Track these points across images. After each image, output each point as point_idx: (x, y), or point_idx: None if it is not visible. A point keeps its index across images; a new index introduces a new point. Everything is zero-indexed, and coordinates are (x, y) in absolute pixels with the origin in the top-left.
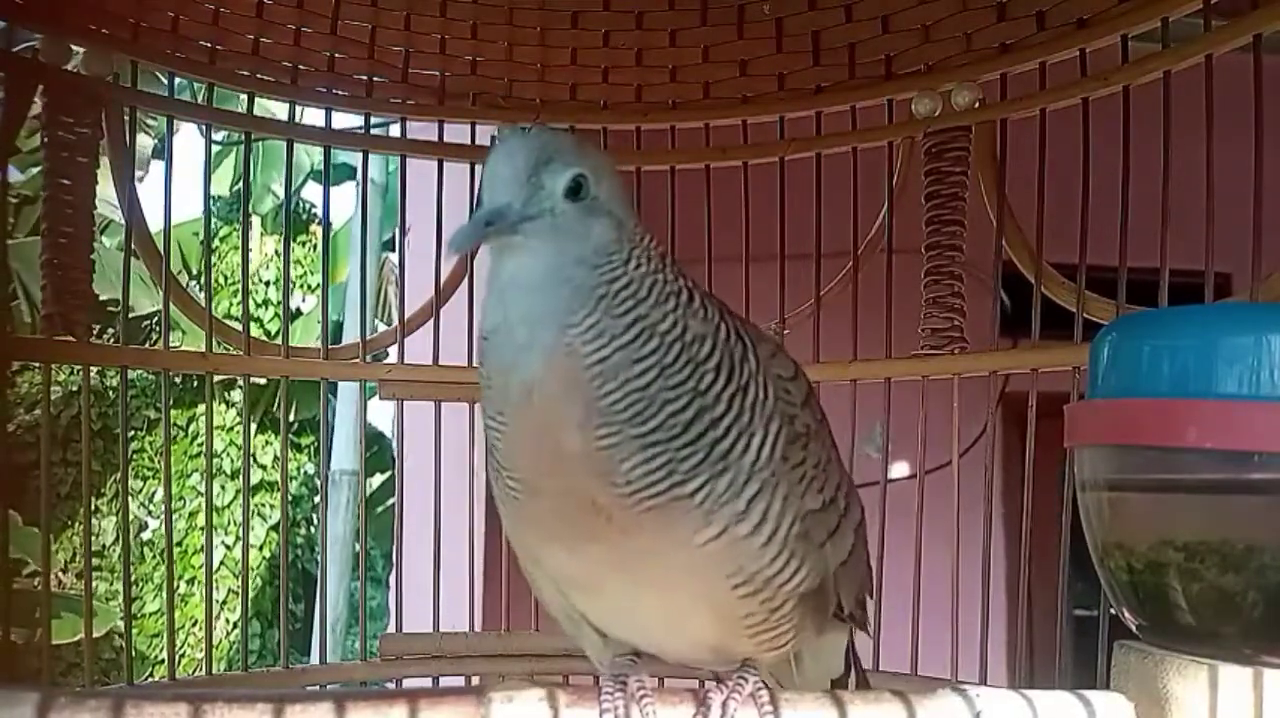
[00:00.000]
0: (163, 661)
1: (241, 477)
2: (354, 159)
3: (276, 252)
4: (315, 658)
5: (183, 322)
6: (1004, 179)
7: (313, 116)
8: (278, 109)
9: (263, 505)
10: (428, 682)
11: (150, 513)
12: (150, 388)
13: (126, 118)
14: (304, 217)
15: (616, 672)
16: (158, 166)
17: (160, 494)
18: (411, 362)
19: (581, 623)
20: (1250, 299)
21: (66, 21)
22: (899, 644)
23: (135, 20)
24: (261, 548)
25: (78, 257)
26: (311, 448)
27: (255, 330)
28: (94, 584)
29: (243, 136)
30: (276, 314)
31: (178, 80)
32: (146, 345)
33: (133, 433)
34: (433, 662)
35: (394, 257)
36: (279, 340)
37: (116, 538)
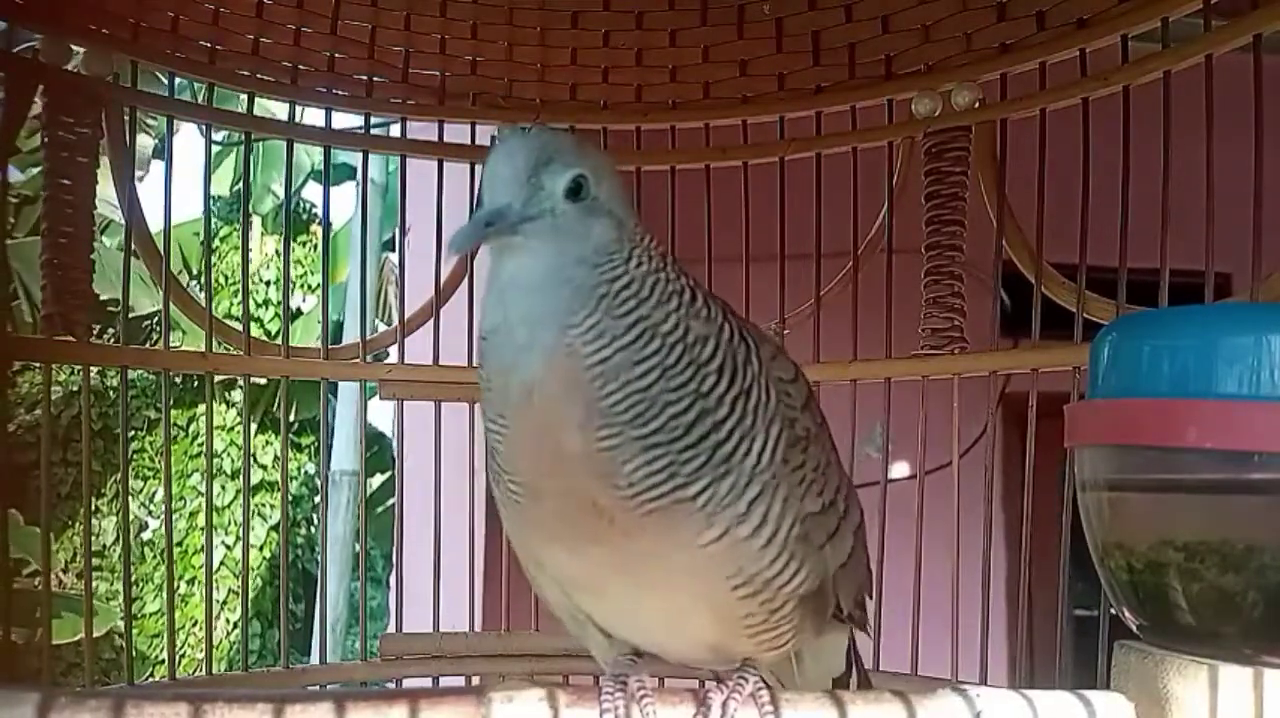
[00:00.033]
0: (163, 661)
1: (242, 477)
2: (354, 159)
3: (277, 252)
4: (315, 658)
5: (183, 322)
6: (1004, 179)
7: (313, 116)
8: (278, 109)
9: (263, 506)
10: (428, 682)
11: (150, 513)
12: (150, 388)
13: (126, 118)
14: (304, 217)
15: (617, 672)
16: (158, 166)
17: (160, 494)
18: (411, 362)
19: (587, 623)
20: (1250, 299)
21: (66, 21)
22: (899, 644)
23: (135, 20)
24: (262, 548)
25: (78, 257)
26: (312, 448)
27: (255, 330)
28: (94, 584)
29: (243, 136)
30: (277, 314)
31: (178, 80)
32: (146, 345)
33: (133, 433)
34: (433, 662)
35: (394, 257)
36: (279, 340)
37: (117, 538)
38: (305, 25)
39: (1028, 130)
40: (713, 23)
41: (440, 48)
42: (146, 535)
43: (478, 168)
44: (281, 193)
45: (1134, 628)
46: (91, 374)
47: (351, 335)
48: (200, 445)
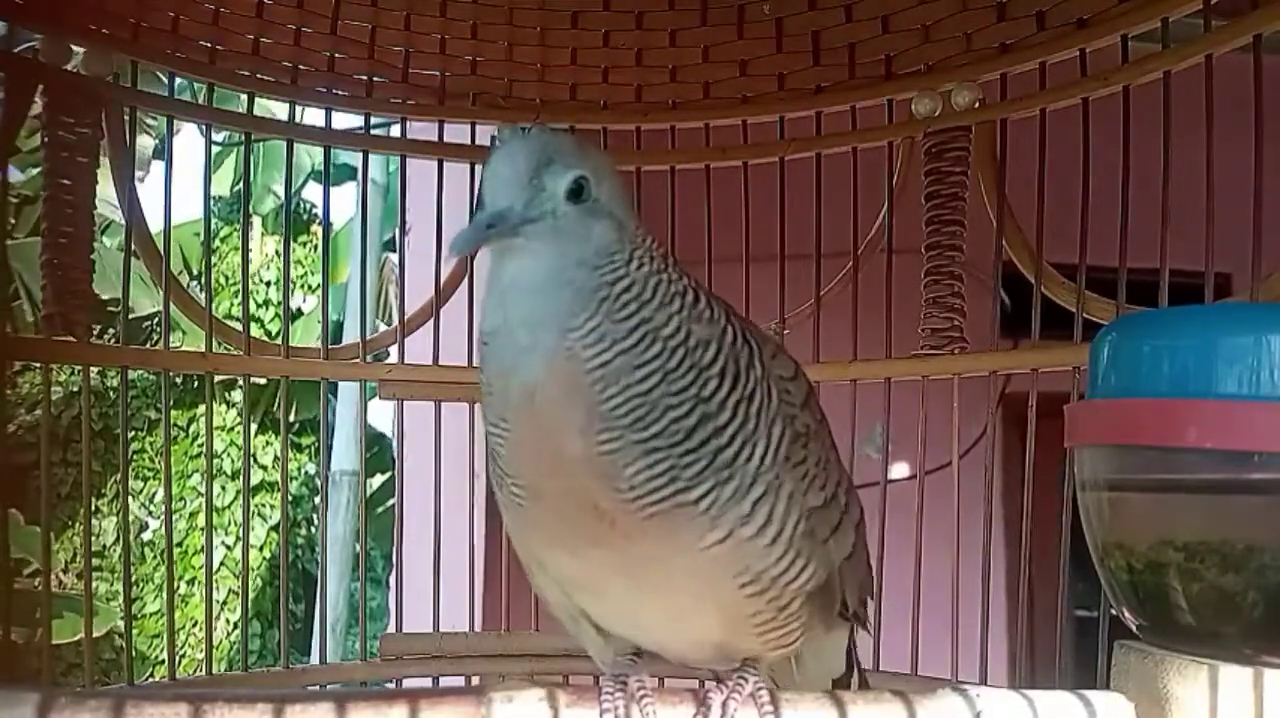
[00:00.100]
0: (163, 661)
1: (242, 477)
2: (354, 159)
3: (277, 252)
4: (315, 658)
5: (183, 322)
6: (1004, 179)
7: (313, 116)
8: (278, 109)
9: (263, 506)
10: (428, 682)
11: (151, 513)
12: (150, 388)
13: (126, 118)
14: (304, 217)
15: (617, 672)
16: (158, 167)
17: (160, 495)
18: (411, 362)
19: (583, 623)
20: (1250, 299)
21: (66, 21)
22: (899, 644)
23: (135, 20)
24: (262, 548)
25: (78, 257)
26: (312, 448)
27: (256, 330)
28: (94, 584)
29: (243, 137)
30: (277, 314)
31: (178, 80)
32: (147, 345)
33: (133, 433)
34: (433, 662)
35: (394, 257)
36: (279, 340)
37: (117, 538)
38: (305, 25)
39: (1028, 130)
40: (713, 23)
41: (440, 48)
42: (147, 536)
43: (478, 168)
44: (282, 193)
45: (1134, 628)
46: (91, 374)
47: (351, 335)
48: (200, 446)
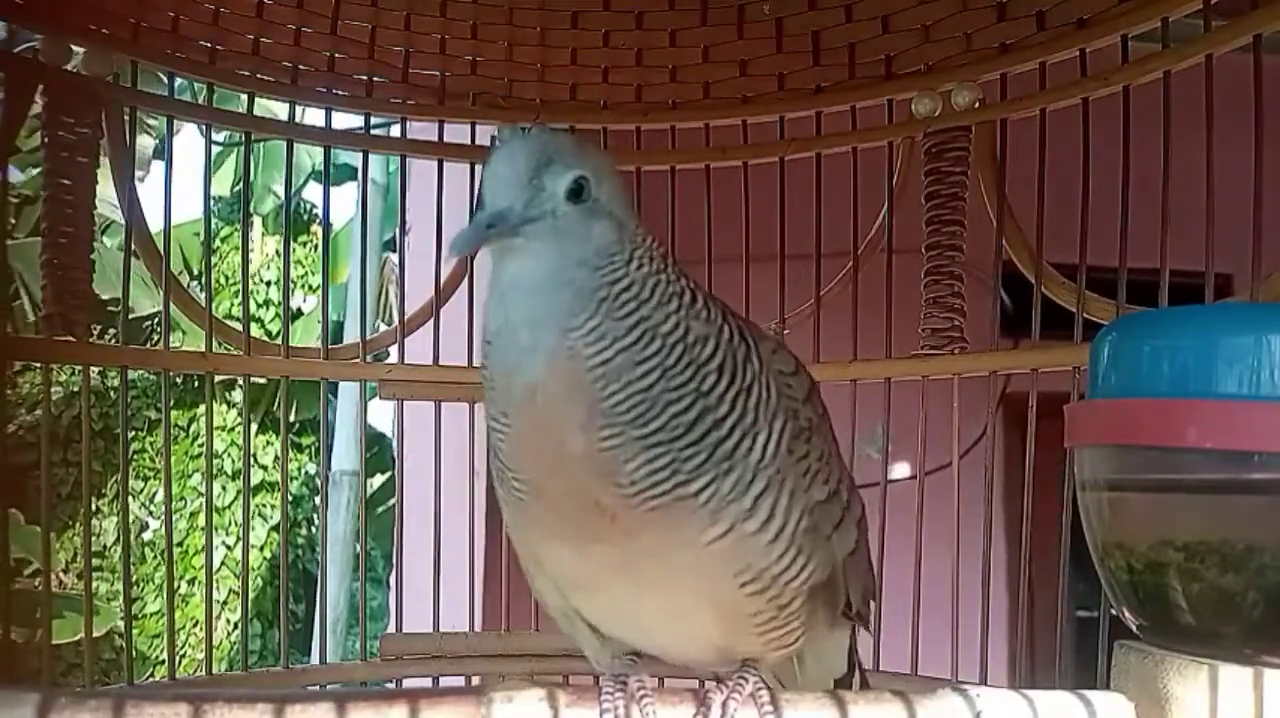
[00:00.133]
0: (163, 661)
1: (242, 477)
2: (354, 159)
3: (277, 252)
4: (315, 658)
5: (183, 322)
6: (1004, 179)
7: (313, 117)
8: (278, 109)
9: (263, 506)
10: (428, 682)
11: (151, 513)
12: (151, 388)
13: (126, 118)
14: (305, 217)
15: (617, 672)
16: (158, 167)
17: (161, 495)
18: (411, 362)
19: (578, 623)
20: (1250, 299)
21: (66, 21)
22: (899, 644)
23: (135, 20)
24: (262, 548)
25: (78, 257)
26: (312, 448)
27: (256, 330)
28: (95, 584)
29: (243, 137)
30: (277, 314)
31: (178, 80)
32: (147, 345)
33: (133, 433)
34: (433, 662)
35: (394, 257)
36: (279, 341)
37: (117, 538)
38: (305, 25)
39: (1028, 130)
40: (713, 23)
41: (440, 48)
42: (147, 536)
43: (478, 168)
44: (282, 193)
45: (1134, 628)
46: (92, 374)
47: (352, 335)
48: (200, 446)
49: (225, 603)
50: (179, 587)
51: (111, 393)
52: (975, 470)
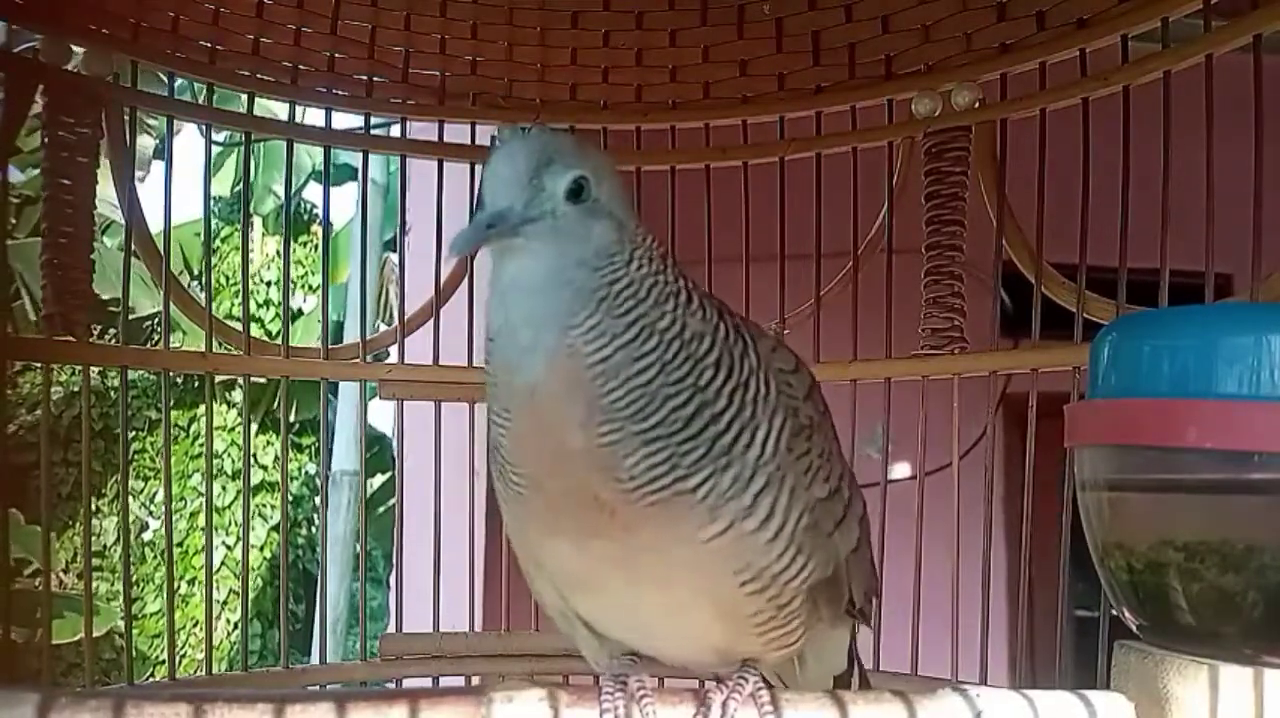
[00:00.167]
0: (163, 661)
1: (242, 477)
2: (354, 159)
3: (277, 252)
4: (315, 658)
5: (183, 322)
6: (1004, 179)
7: (313, 117)
8: (278, 109)
9: (263, 506)
10: (428, 682)
11: (151, 513)
12: (151, 388)
13: (126, 118)
14: (305, 217)
15: (617, 672)
16: (158, 167)
17: (161, 495)
18: (411, 362)
19: (576, 623)
20: (1250, 299)
21: (66, 21)
22: (899, 644)
23: (135, 20)
24: (262, 548)
25: (78, 257)
26: (312, 448)
27: (256, 331)
28: (95, 584)
29: (243, 137)
30: (277, 314)
31: (178, 80)
32: (147, 345)
33: (133, 433)
34: (433, 662)
35: (394, 257)
36: (279, 340)
37: (117, 538)
38: (305, 25)
39: (1028, 130)
40: (713, 23)
41: (440, 48)
42: (147, 536)
43: (478, 168)
44: (282, 193)
45: (1134, 628)
46: (92, 374)
47: (352, 335)
48: (200, 446)
49: (225, 603)
50: (179, 587)
51: (111, 393)
52: (975, 471)
